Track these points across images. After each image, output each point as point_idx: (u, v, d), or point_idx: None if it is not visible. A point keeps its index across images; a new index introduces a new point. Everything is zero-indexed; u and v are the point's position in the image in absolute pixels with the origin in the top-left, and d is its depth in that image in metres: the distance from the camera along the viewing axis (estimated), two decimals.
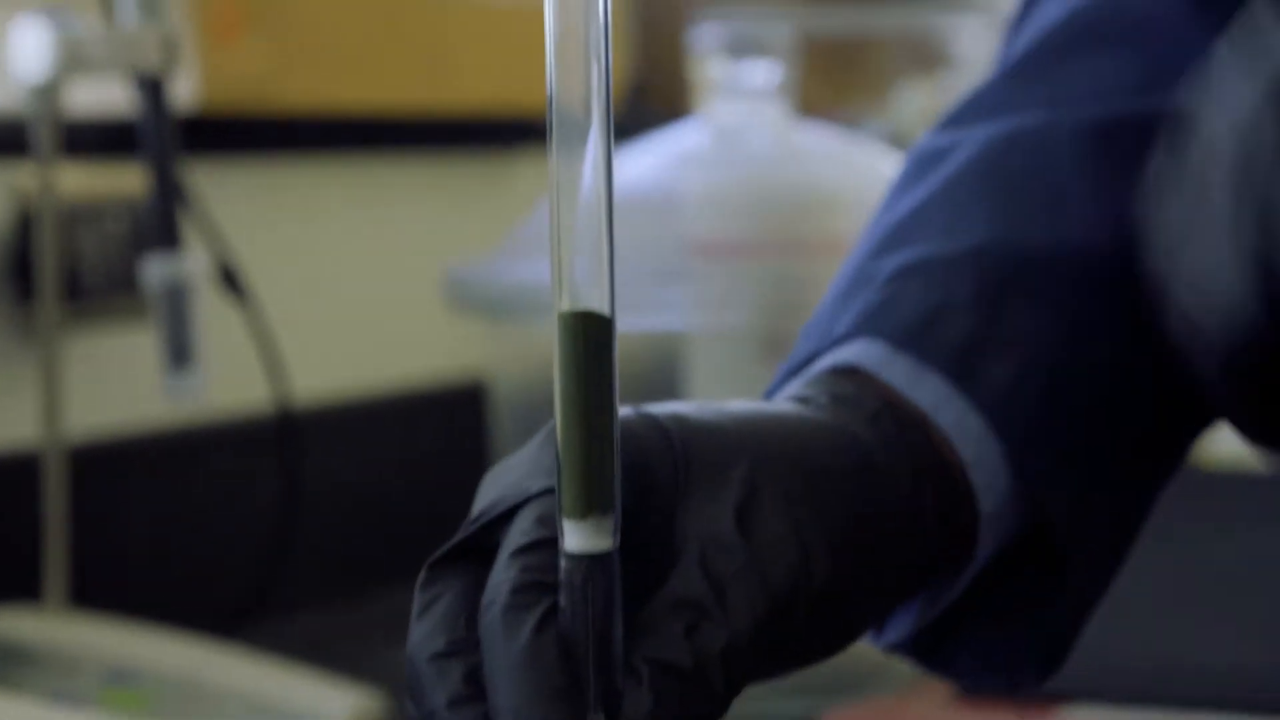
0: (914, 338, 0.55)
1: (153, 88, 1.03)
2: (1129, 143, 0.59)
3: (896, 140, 1.74)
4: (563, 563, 0.43)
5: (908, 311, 0.56)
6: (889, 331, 0.55)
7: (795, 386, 0.55)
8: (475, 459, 1.39)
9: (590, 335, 0.43)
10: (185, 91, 1.23)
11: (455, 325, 1.33)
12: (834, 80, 2.01)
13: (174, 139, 1.05)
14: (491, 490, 0.47)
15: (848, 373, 0.55)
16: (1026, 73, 0.64)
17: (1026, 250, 0.57)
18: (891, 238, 0.59)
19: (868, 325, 0.56)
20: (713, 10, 1.81)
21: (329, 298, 1.42)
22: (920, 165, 0.62)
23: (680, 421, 0.48)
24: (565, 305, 0.43)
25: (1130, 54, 0.62)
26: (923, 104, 1.81)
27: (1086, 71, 0.62)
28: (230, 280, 1.10)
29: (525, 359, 1.19)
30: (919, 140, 0.64)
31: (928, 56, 2.01)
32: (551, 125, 0.42)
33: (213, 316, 1.13)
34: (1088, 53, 0.63)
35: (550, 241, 0.43)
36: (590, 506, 0.43)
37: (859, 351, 0.56)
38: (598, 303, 0.43)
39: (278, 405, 1.17)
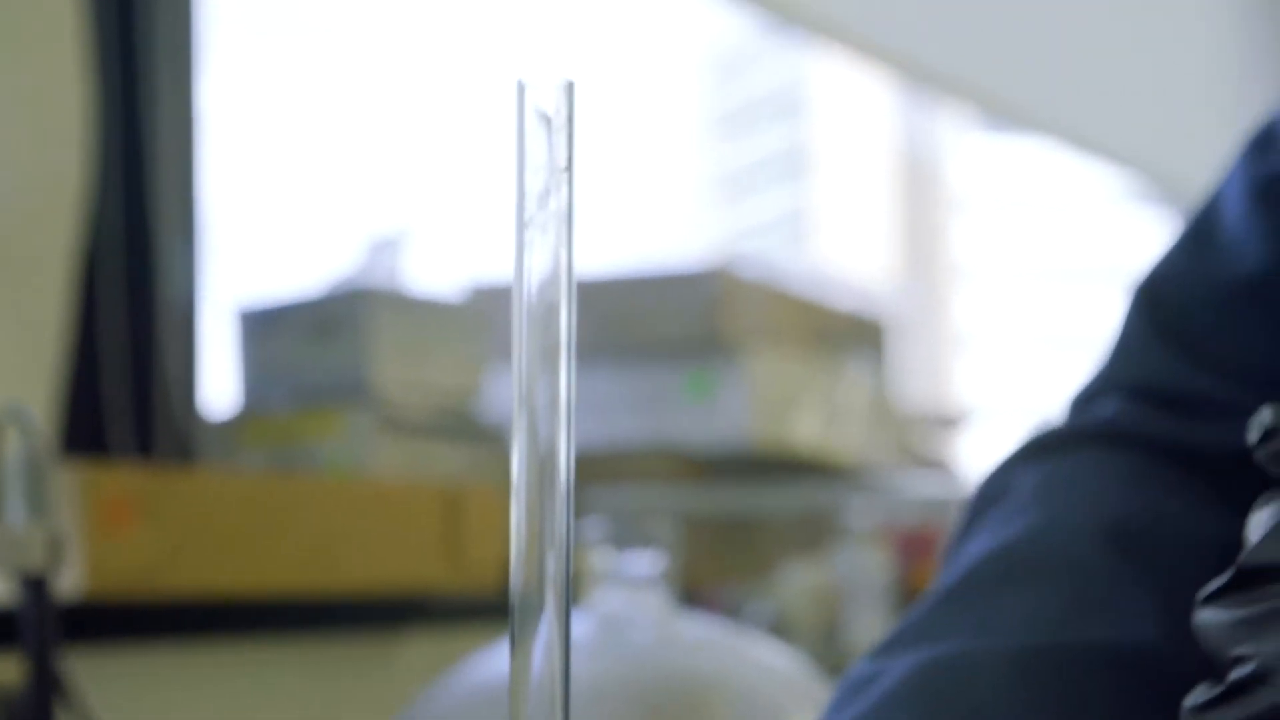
0: None
1: (36, 585, 1.03)
2: (1046, 670, 0.61)
3: (781, 621, 1.75)
4: None
5: None
6: None
7: None
8: None
9: None
10: (70, 581, 1.23)
11: None
12: (720, 557, 2.03)
13: (56, 634, 1.04)
14: None
15: None
16: (951, 605, 0.67)
17: None
18: None
19: None
20: (599, 493, 1.85)
21: None
22: (848, 692, 0.64)
23: None
24: None
25: (1050, 589, 0.65)
26: (807, 582, 1.84)
27: (1008, 604, 0.65)
28: None
29: None
30: (851, 667, 0.66)
31: (814, 533, 2.05)
32: (512, 614, 0.43)
33: None
34: (1010, 587, 0.66)
35: None
36: None
37: None
38: None
39: None
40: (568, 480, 0.43)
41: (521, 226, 0.43)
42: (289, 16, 2.26)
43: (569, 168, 0.43)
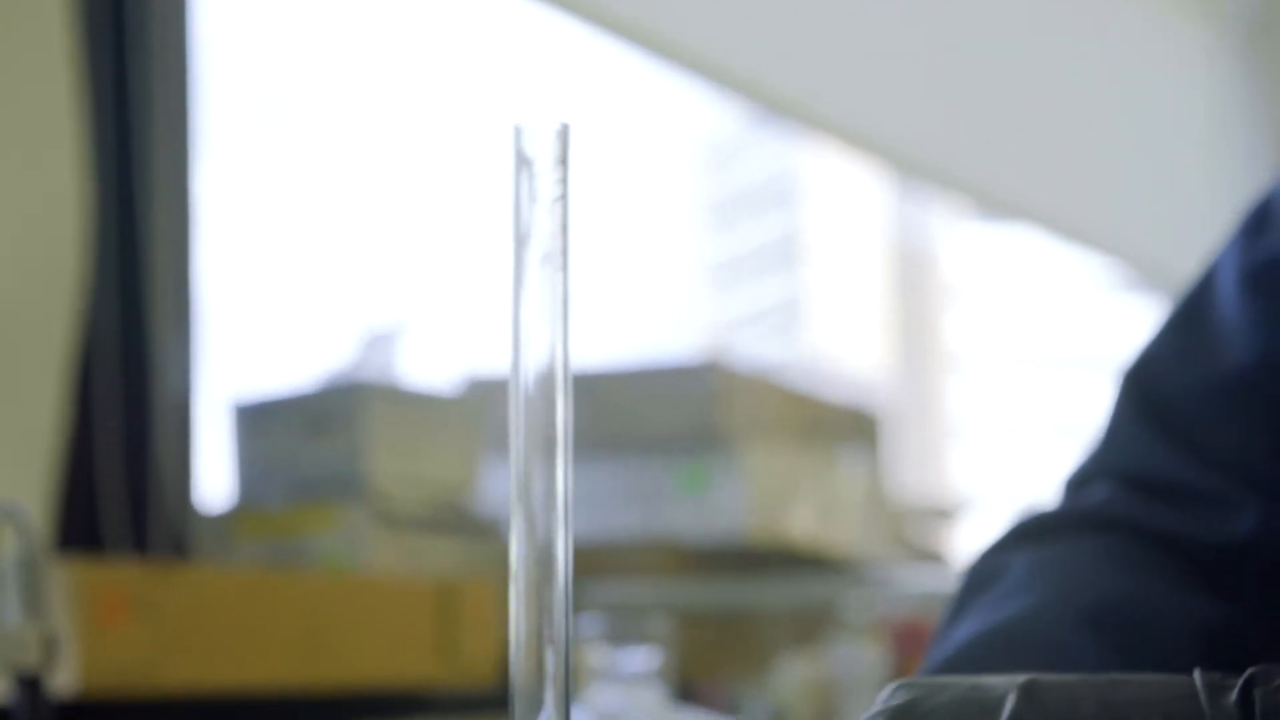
0: None
1: (31, 684, 1.03)
2: None
3: (778, 715, 1.75)
4: None
5: None
6: None
7: None
8: None
9: None
10: (65, 678, 1.23)
11: None
12: (716, 650, 2.03)
13: None
14: None
15: None
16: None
17: None
18: None
19: None
20: (594, 588, 1.84)
21: None
22: None
23: None
24: None
25: (1035, 671, 0.65)
26: (804, 676, 1.83)
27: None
28: None
29: None
30: None
31: (810, 626, 2.04)
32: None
33: None
34: (996, 669, 0.66)
35: None
36: None
37: None
38: None
39: None
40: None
41: (518, 270, 0.42)
42: (287, 111, 2.27)
43: (563, 200, 0.42)
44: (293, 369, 2.32)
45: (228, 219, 1.87)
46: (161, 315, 1.56)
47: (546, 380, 0.42)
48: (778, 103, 2.56)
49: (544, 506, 0.43)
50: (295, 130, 2.28)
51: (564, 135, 0.42)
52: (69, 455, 1.46)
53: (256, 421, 1.66)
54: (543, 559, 0.42)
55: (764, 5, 2.35)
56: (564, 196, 0.42)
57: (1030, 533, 0.73)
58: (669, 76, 2.31)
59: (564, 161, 0.42)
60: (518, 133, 0.42)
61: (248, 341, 2.01)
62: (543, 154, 0.42)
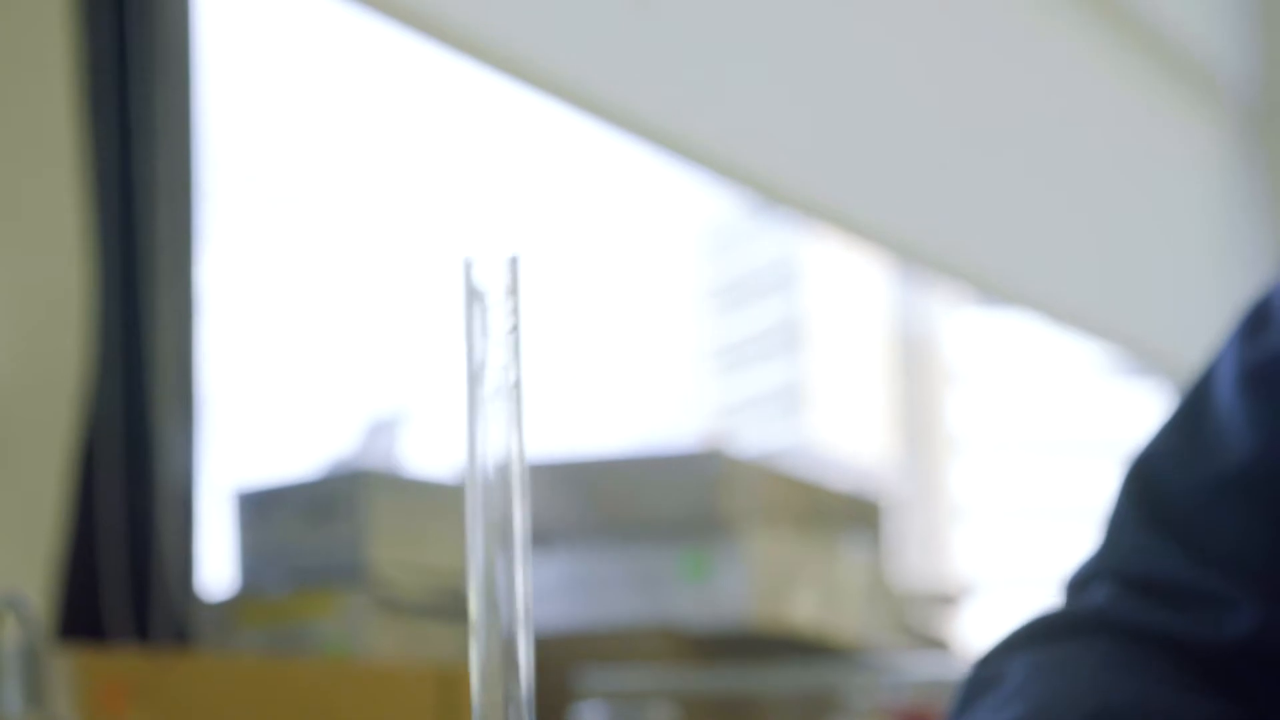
0: None
1: None
2: None
3: None
4: None
5: None
6: None
7: None
8: None
9: None
10: None
11: None
12: None
13: None
14: None
15: None
16: None
17: None
18: None
19: None
20: (596, 674, 1.84)
21: None
22: None
23: None
24: None
25: None
26: None
27: None
28: None
29: None
30: None
31: (813, 713, 2.03)
32: None
33: None
34: None
35: None
36: None
37: None
38: None
39: None
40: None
41: (472, 403, 0.42)
42: (290, 198, 2.29)
43: (514, 335, 0.42)
44: (295, 457, 2.32)
45: (230, 307, 1.88)
46: (164, 403, 1.57)
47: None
48: (778, 192, 2.57)
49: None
50: (298, 219, 2.29)
51: (514, 265, 0.42)
52: (71, 544, 1.46)
53: (258, 509, 1.66)
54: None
55: (765, 100, 2.37)
56: (516, 328, 0.43)
57: (1031, 635, 0.74)
58: (671, 165, 2.33)
59: (515, 291, 0.42)
60: (468, 266, 0.42)
61: (250, 429, 2.02)
62: (495, 286, 0.43)
